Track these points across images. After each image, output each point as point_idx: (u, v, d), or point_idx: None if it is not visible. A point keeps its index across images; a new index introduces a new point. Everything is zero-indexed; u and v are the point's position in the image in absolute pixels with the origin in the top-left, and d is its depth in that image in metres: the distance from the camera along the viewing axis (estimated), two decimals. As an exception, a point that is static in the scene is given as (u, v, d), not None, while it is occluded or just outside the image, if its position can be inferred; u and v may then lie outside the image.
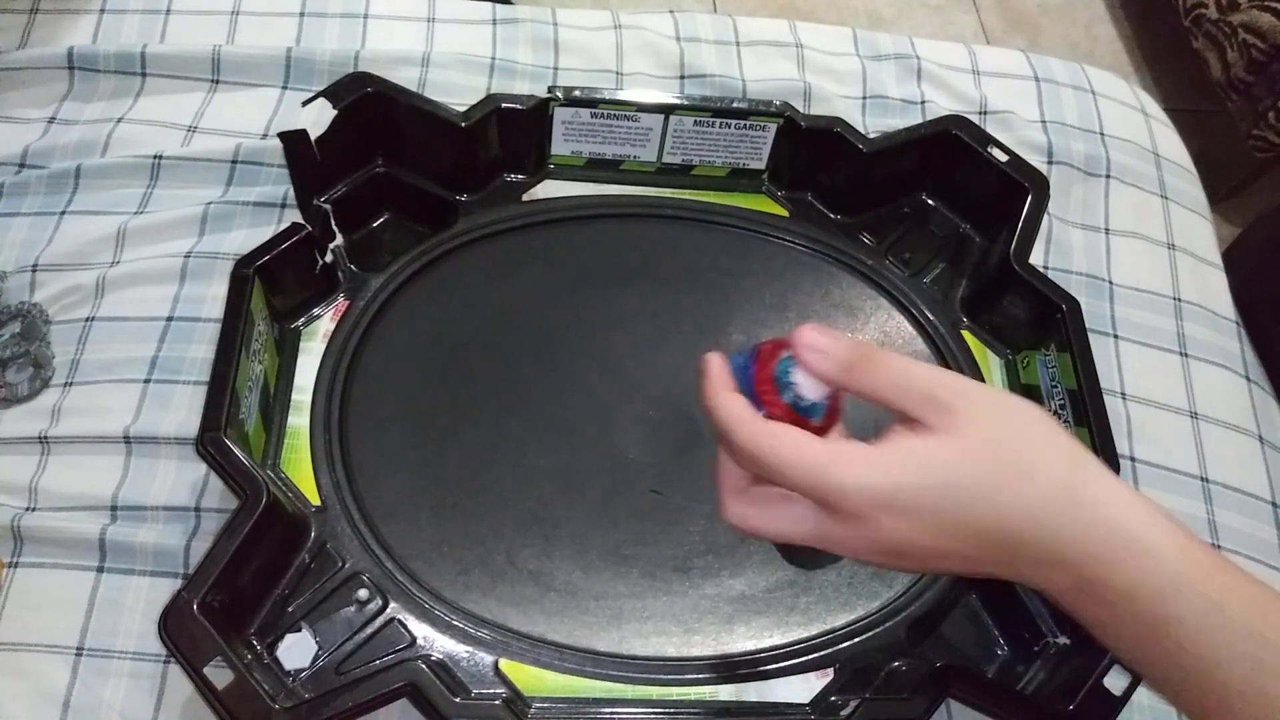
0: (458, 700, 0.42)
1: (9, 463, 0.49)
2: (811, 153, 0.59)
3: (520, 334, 0.55)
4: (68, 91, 0.62)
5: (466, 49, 0.66)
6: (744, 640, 0.47)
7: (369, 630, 0.45)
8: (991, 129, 0.62)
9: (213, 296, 0.54)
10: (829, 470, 0.31)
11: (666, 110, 0.57)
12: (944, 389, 0.32)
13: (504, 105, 0.56)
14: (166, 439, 0.50)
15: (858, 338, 0.57)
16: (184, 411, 0.51)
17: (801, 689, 0.46)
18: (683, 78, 0.67)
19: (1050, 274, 0.58)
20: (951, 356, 0.57)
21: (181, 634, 0.40)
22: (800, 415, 0.35)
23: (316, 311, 0.54)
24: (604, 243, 0.59)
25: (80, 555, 0.47)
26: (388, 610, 0.46)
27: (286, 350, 0.53)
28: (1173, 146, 0.71)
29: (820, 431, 0.36)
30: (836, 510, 0.32)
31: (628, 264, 0.58)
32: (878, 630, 0.48)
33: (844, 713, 0.44)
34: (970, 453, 0.31)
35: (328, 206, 0.55)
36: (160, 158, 0.59)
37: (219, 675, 0.39)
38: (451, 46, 0.66)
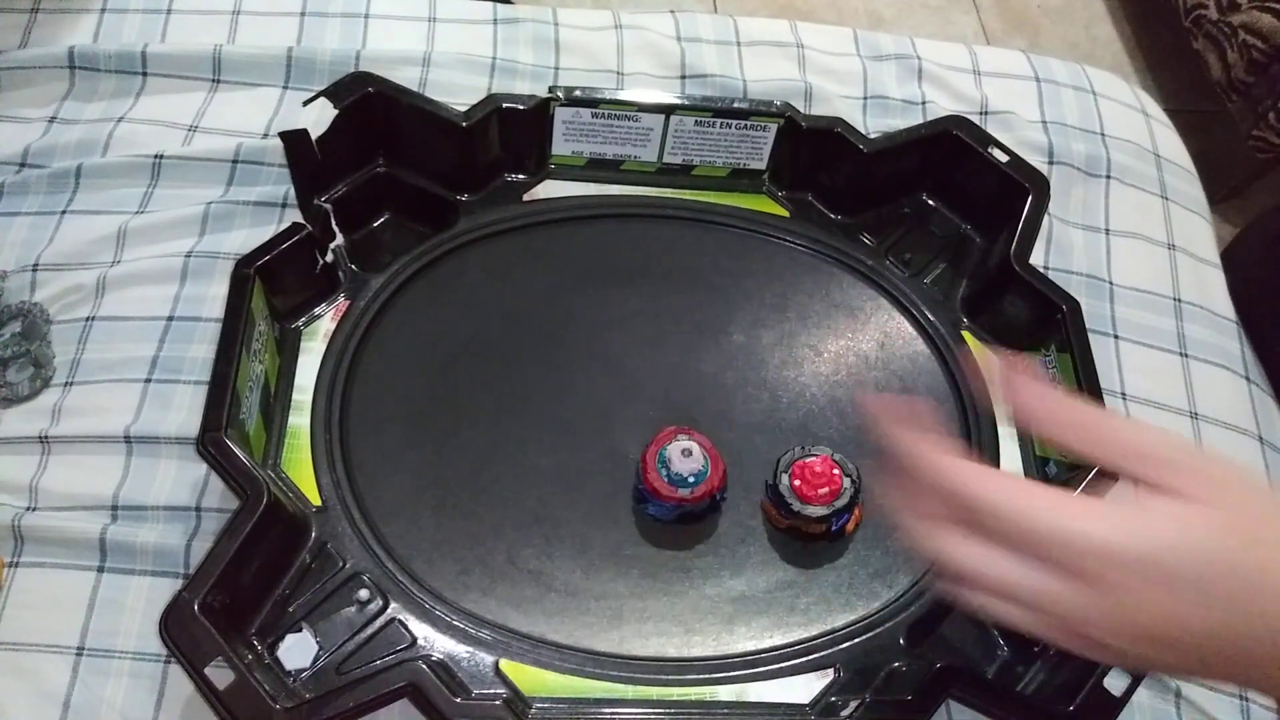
0: (458, 700, 0.42)
1: (9, 462, 0.49)
2: (812, 153, 0.59)
3: (521, 334, 0.55)
4: (68, 91, 0.62)
5: (467, 49, 0.66)
6: (744, 641, 0.47)
7: (370, 630, 0.45)
8: (992, 129, 0.62)
9: (213, 296, 0.54)
10: (1074, 519, 0.27)
11: (667, 110, 0.57)
12: (1190, 455, 0.28)
13: (505, 105, 0.56)
14: (167, 439, 0.50)
15: (858, 338, 0.57)
16: (185, 411, 0.51)
17: (802, 689, 0.46)
18: (683, 78, 0.67)
19: (1050, 274, 0.58)
20: (951, 357, 0.57)
21: (182, 634, 0.40)
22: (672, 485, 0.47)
23: (317, 311, 0.54)
24: (604, 243, 0.59)
25: (81, 555, 0.47)
26: (388, 610, 0.46)
27: (287, 350, 0.53)
28: (1173, 147, 0.71)
29: (695, 500, 0.47)
30: (1078, 571, 0.27)
31: (628, 264, 0.58)
32: (878, 631, 0.48)
33: (844, 713, 0.44)
34: (1236, 527, 0.27)
35: (328, 206, 0.55)
36: (161, 157, 0.59)
37: (220, 675, 0.39)
38: (452, 46, 0.66)
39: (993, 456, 0.54)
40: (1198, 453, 0.29)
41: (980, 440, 0.54)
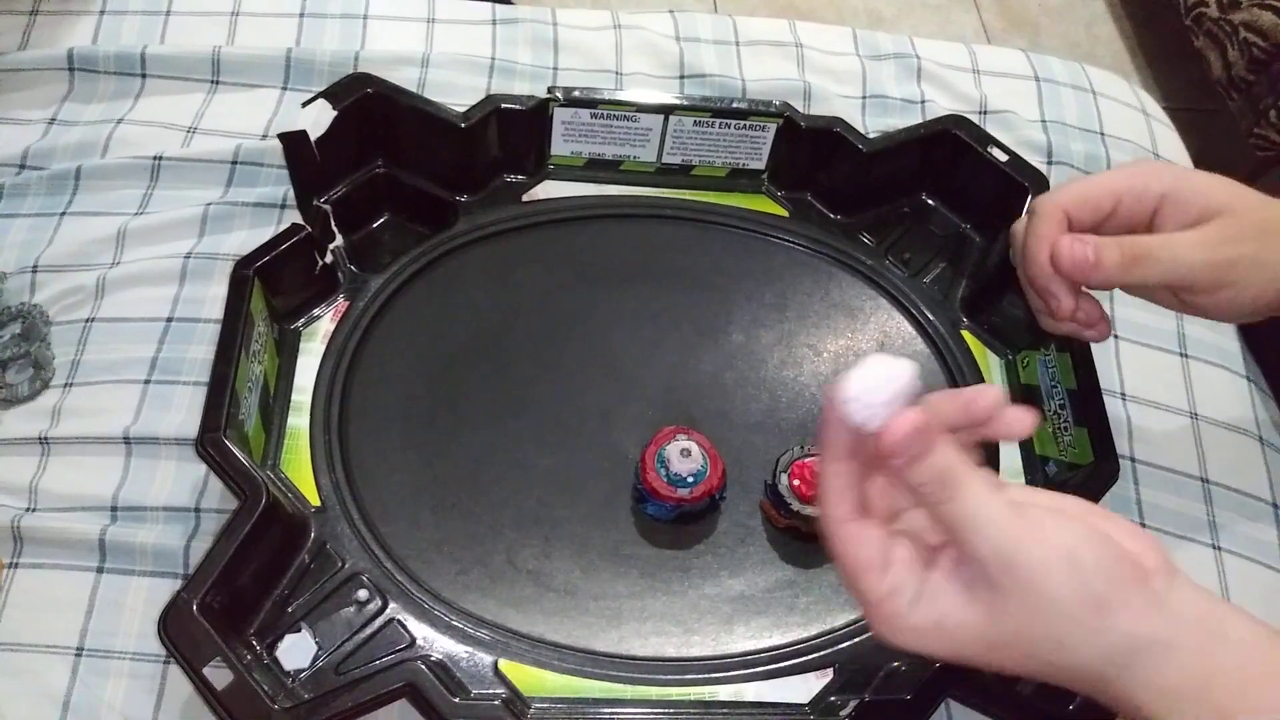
0: (457, 700, 0.42)
1: (9, 463, 0.50)
2: (811, 153, 0.59)
3: (520, 334, 0.55)
4: (68, 93, 0.62)
5: (466, 49, 0.66)
6: (743, 640, 0.47)
7: (368, 630, 0.45)
8: (991, 129, 0.62)
9: (213, 297, 0.54)
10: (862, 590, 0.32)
11: (666, 110, 0.57)
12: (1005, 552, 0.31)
13: (504, 106, 0.56)
14: (166, 439, 0.50)
15: (857, 337, 0.57)
16: (184, 412, 0.51)
17: (801, 689, 0.46)
18: (682, 77, 0.67)
19: (1050, 274, 0.58)
20: (951, 356, 0.57)
21: (181, 634, 0.40)
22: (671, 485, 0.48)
23: (316, 312, 0.54)
24: (604, 243, 0.59)
25: (80, 556, 0.47)
26: (387, 610, 0.46)
27: (286, 351, 0.53)
28: (1172, 146, 0.71)
29: (694, 500, 0.48)
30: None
31: (628, 264, 0.58)
32: (877, 630, 0.48)
33: (843, 713, 0.44)
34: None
35: (327, 207, 0.55)
36: (160, 159, 0.59)
37: (218, 675, 0.39)
38: (451, 47, 0.66)
39: (992, 457, 0.54)
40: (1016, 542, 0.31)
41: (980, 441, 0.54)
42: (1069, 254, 0.43)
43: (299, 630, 0.45)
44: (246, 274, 0.49)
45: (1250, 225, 0.42)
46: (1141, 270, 0.42)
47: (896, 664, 0.47)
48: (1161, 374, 0.60)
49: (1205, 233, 0.42)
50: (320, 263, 0.54)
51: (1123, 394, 0.58)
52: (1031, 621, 0.31)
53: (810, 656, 0.47)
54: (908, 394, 0.31)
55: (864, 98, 0.68)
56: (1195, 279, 0.43)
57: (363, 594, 0.46)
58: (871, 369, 0.31)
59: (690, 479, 0.48)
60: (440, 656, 0.45)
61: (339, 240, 0.56)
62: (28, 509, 0.48)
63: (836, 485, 0.33)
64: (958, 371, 0.56)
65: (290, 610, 0.45)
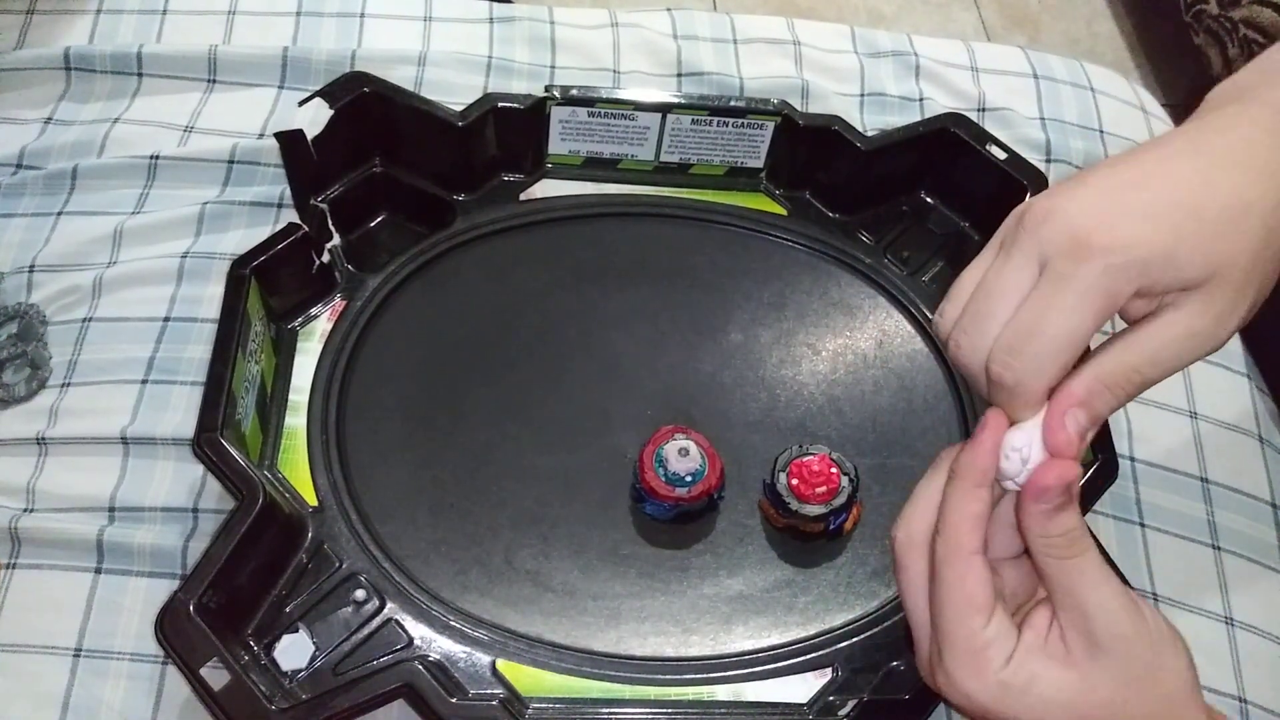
0: (455, 701, 0.42)
1: (6, 464, 0.49)
2: (810, 151, 0.59)
3: (518, 334, 0.55)
4: (64, 92, 0.61)
5: (463, 48, 0.66)
6: (742, 640, 0.47)
7: (366, 631, 0.45)
8: (990, 126, 0.61)
9: (209, 297, 0.54)
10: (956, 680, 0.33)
11: (664, 109, 0.57)
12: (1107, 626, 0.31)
13: (501, 104, 0.56)
14: (164, 440, 0.50)
15: (856, 336, 0.57)
16: (181, 412, 0.51)
17: (800, 689, 0.46)
18: (680, 76, 0.67)
19: (1049, 272, 0.58)
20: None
21: (178, 635, 0.40)
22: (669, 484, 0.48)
23: (314, 311, 0.54)
24: (602, 242, 0.59)
25: (78, 556, 0.47)
26: (385, 611, 0.46)
27: (284, 350, 0.52)
28: (1172, 144, 0.71)
29: (692, 499, 0.48)
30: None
31: (625, 263, 0.58)
32: (876, 630, 0.48)
33: (842, 713, 0.44)
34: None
35: (324, 206, 0.55)
36: (157, 158, 0.58)
37: (216, 676, 0.39)
38: (448, 45, 0.66)
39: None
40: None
41: (978, 438, 0.54)
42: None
43: (296, 630, 0.44)
44: (243, 273, 0.49)
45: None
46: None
47: (896, 663, 0.47)
48: (1161, 372, 0.60)
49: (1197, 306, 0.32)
50: (317, 262, 0.54)
51: (1122, 392, 0.58)
52: (1132, 695, 0.30)
53: (809, 656, 0.47)
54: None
55: (862, 96, 0.68)
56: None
57: (360, 594, 0.46)
58: (1034, 430, 0.32)
59: (688, 478, 0.48)
60: (438, 657, 0.45)
61: (336, 239, 0.56)
62: (25, 510, 0.48)
63: (974, 512, 0.32)
64: (957, 370, 0.56)
65: (288, 610, 0.45)
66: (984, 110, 0.68)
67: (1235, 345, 0.63)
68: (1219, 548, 0.54)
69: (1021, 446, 0.32)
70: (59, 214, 0.57)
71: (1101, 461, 0.49)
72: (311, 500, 0.48)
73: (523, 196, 0.59)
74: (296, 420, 0.50)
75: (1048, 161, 0.66)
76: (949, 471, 0.33)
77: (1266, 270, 0.32)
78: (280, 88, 0.63)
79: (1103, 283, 0.30)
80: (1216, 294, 0.31)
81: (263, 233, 0.53)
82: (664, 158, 0.60)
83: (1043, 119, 0.69)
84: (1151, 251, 0.30)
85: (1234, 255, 0.31)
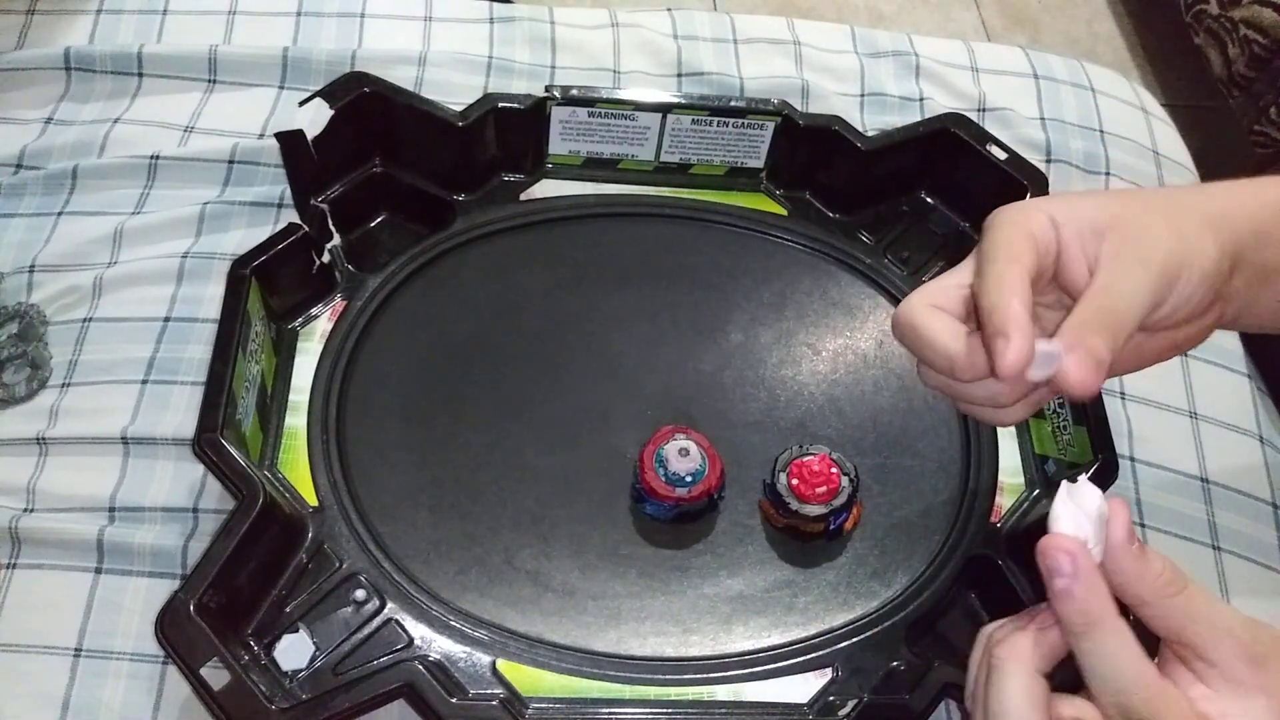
0: (455, 701, 0.42)
1: (6, 464, 0.49)
2: (810, 151, 0.59)
3: (518, 334, 0.55)
4: (64, 92, 0.61)
5: (463, 48, 0.66)
6: (742, 640, 0.47)
7: (366, 631, 0.45)
8: (990, 126, 0.61)
9: (210, 297, 0.54)
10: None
11: (664, 109, 0.57)
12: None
13: (501, 105, 0.56)
14: (164, 440, 0.50)
15: (856, 336, 0.57)
16: (181, 412, 0.51)
17: (800, 689, 0.46)
18: (680, 76, 0.67)
19: (1049, 272, 0.58)
20: (950, 355, 0.57)
21: (178, 635, 0.40)
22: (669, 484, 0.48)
23: (314, 312, 0.54)
24: (602, 242, 0.59)
25: (78, 556, 0.47)
26: (385, 610, 0.46)
27: (284, 350, 0.52)
28: (1172, 144, 0.71)
29: (692, 499, 0.48)
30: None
31: (625, 263, 0.58)
32: (876, 630, 0.48)
33: (842, 713, 0.44)
34: None
35: (325, 206, 0.55)
36: (157, 158, 0.58)
37: (216, 676, 0.39)
38: (448, 45, 0.66)
39: (991, 456, 0.53)
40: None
41: (979, 439, 0.54)
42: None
43: (297, 630, 0.44)
44: (243, 273, 0.49)
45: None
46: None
47: (895, 663, 0.47)
48: (1161, 373, 0.59)
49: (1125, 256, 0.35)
50: (317, 262, 0.54)
51: (1122, 393, 0.58)
52: None
53: (809, 656, 0.47)
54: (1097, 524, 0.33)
55: (862, 96, 0.68)
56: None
57: (360, 594, 0.46)
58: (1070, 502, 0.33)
59: (688, 478, 0.48)
60: (438, 657, 0.45)
61: (336, 239, 0.56)
62: (25, 509, 0.48)
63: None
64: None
65: (288, 610, 0.45)
66: (984, 110, 0.68)
67: (1235, 345, 0.63)
68: (1219, 548, 0.54)
69: (1064, 516, 0.32)
70: (59, 214, 0.57)
71: (1101, 461, 0.49)
72: (311, 500, 0.48)
73: (523, 196, 0.59)
74: (297, 420, 0.50)
75: (1048, 162, 0.66)
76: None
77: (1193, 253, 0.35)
78: (280, 88, 0.63)
79: (1019, 219, 0.38)
80: (1115, 238, 0.35)
81: (263, 233, 0.53)
82: (664, 158, 0.60)
83: (1043, 119, 0.69)
84: (1063, 202, 0.37)
85: (1140, 215, 0.36)
